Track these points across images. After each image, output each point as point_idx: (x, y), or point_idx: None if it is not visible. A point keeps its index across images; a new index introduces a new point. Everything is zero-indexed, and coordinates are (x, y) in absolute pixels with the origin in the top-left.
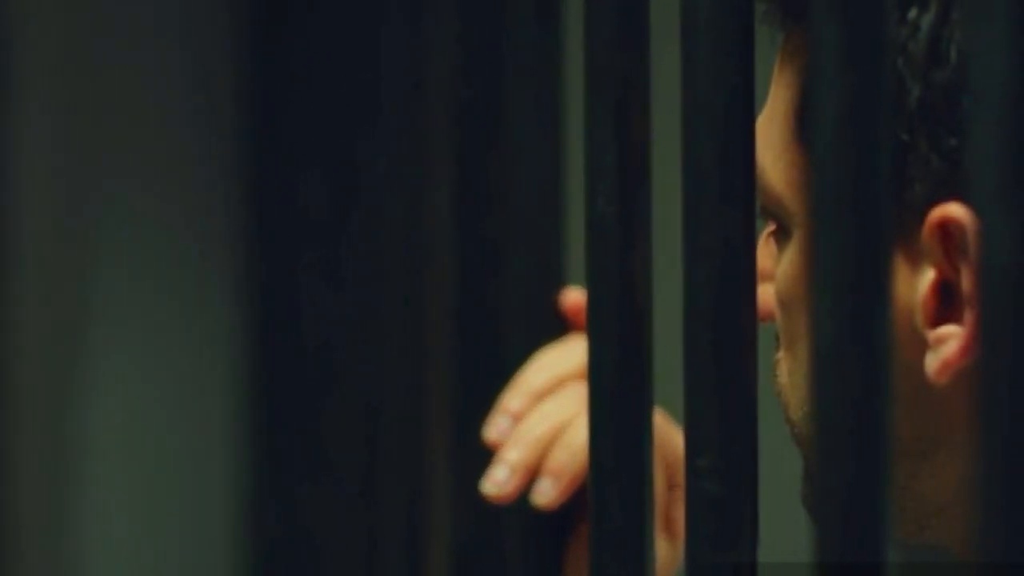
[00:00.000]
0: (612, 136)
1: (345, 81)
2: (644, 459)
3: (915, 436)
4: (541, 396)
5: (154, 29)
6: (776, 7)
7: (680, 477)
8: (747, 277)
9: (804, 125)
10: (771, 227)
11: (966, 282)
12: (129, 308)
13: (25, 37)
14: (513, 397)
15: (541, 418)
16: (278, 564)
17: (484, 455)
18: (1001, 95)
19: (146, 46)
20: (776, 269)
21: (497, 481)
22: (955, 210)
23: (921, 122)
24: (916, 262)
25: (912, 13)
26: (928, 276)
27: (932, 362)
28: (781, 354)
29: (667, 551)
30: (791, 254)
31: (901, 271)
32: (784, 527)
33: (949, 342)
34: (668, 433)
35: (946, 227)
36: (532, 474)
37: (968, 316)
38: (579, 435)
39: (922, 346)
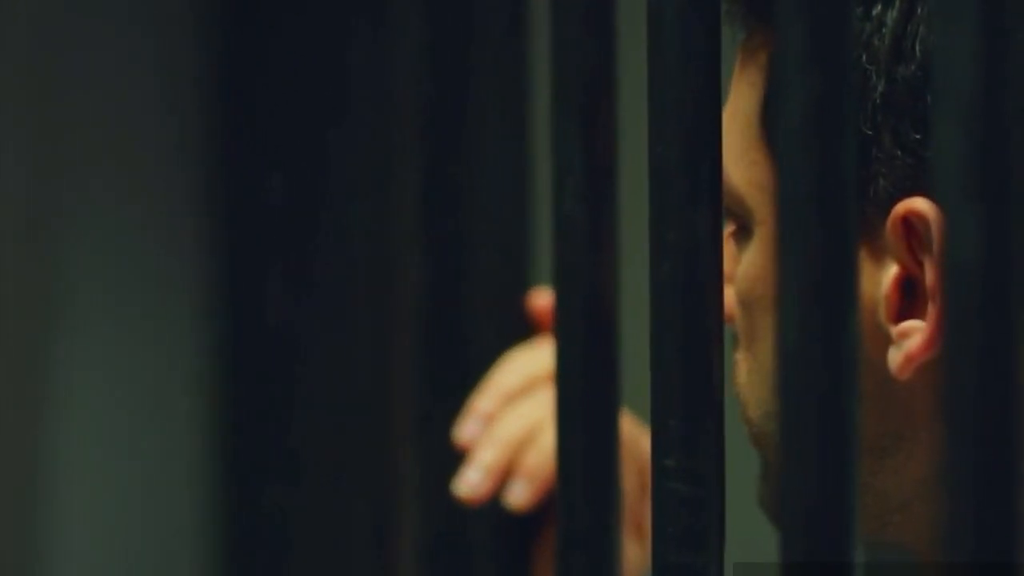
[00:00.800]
0: (579, 136)
1: (312, 83)
2: (612, 458)
3: (877, 433)
4: (513, 398)
5: (120, 28)
6: (738, 6)
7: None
8: (714, 276)
9: (768, 124)
10: (731, 227)
11: (930, 276)
12: (95, 310)
13: None
14: (485, 399)
15: (514, 420)
16: (246, 564)
17: (452, 455)
18: (967, 90)
19: (112, 46)
20: (736, 270)
21: (470, 482)
22: (920, 204)
23: (885, 117)
24: (879, 257)
25: (876, 9)
26: (891, 271)
27: (896, 357)
28: (740, 354)
29: (636, 554)
30: (752, 254)
31: (864, 266)
32: (751, 527)
33: (913, 336)
34: (638, 437)
35: (910, 221)
36: (505, 476)
37: (932, 310)
38: (552, 437)
39: (884, 341)
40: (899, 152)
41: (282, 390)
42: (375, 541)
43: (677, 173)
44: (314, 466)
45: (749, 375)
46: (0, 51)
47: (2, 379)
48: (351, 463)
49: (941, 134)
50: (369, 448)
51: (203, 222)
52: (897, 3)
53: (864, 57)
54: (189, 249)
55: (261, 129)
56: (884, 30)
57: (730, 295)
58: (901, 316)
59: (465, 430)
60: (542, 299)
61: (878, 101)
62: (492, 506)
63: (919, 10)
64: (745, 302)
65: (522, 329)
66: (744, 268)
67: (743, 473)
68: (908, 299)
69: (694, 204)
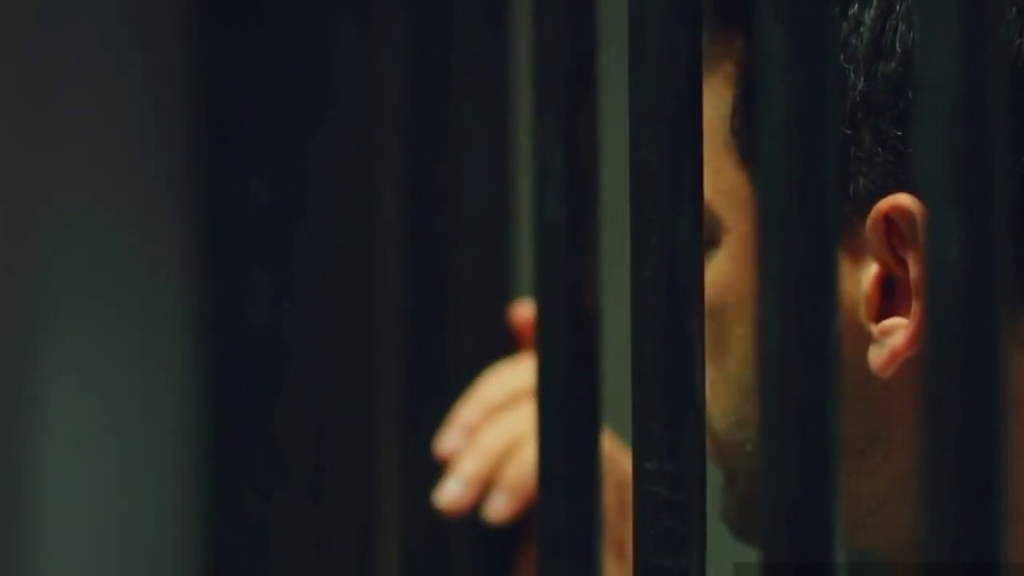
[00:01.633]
0: (560, 138)
1: (295, 86)
2: (593, 463)
3: (854, 433)
4: (495, 411)
5: (101, 33)
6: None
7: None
8: (696, 279)
9: (737, 131)
10: None
11: (914, 272)
12: (77, 315)
13: None
14: (467, 410)
15: (495, 432)
16: (228, 569)
17: (434, 462)
18: (949, 86)
19: (94, 48)
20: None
21: (451, 494)
22: (904, 200)
23: (865, 115)
24: (858, 256)
25: (853, 8)
26: (871, 269)
27: (877, 355)
28: (707, 364)
29: (616, 572)
30: (720, 262)
31: (844, 266)
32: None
33: (896, 333)
34: (618, 456)
35: (891, 218)
36: (486, 487)
37: (916, 306)
38: (533, 451)
39: (863, 341)
40: (879, 149)
41: (265, 396)
42: (357, 550)
43: (658, 175)
44: (296, 473)
45: (715, 385)
46: None
47: None
48: (333, 470)
49: (922, 131)
50: (352, 455)
51: (186, 226)
52: (875, 1)
53: (842, 56)
54: (172, 252)
55: (244, 132)
56: (862, 28)
57: None
58: (882, 315)
59: (446, 441)
60: (524, 311)
61: (857, 99)
62: (473, 517)
63: (897, 7)
64: (713, 311)
65: (504, 334)
66: (712, 276)
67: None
68: (887, 297)
69: (676, 206)
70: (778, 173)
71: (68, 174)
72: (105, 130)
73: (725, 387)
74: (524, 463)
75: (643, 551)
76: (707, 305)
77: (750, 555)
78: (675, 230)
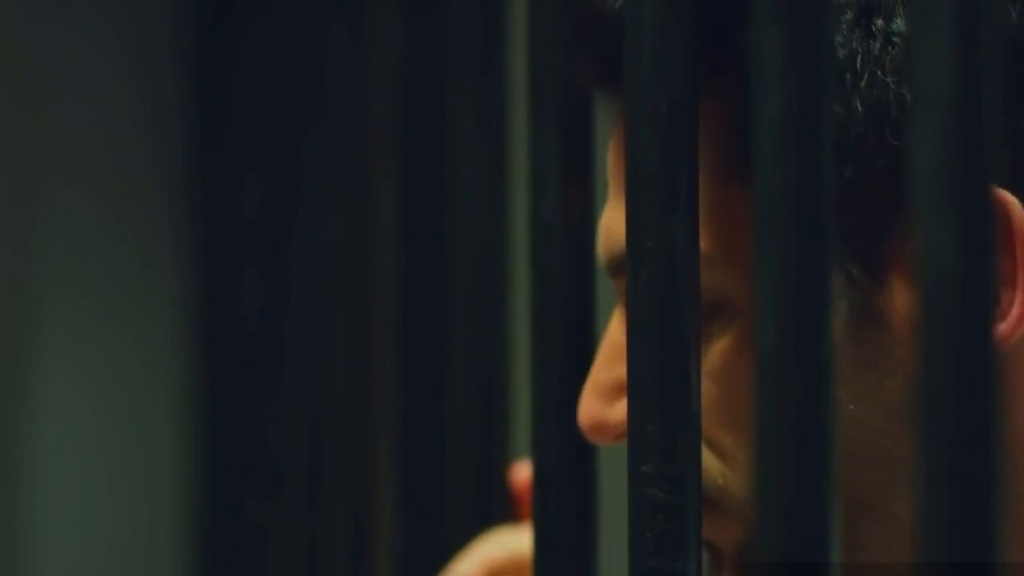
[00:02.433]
0: (557, 141)
1: (289, 89)
2: (590, 463)
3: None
4: (495, 570)
5: (96, 35)
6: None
7: None
8: (690, 282)
9: (728, 150)
10: None
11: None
12: (73, 317)
13: None
14: (467, 564)
15: None
16: (225, 570)
17: (431, 464)
18: (944, 99)
19: (88, 51)
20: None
21: None
22: (1002, 195)
23: (866, 126)
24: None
25: (848, 15)
26: None
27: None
28: (726, 437)
29: None
30: (734, 342)
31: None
32: None
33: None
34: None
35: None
36: None
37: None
38: None
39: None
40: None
41: (261, 398)
42: (353, 551)
43: (654, 179)
44: (292, 474)
45: (735, 458)
46: None
47: None
48: (329, 472)
49: (919, 143)
50: (347, 457)
51: (181, 228)
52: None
53: (839, 67)
54: (167, 255)
55: (239, 135)
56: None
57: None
58: None
59: None
60: (522, 474)
61: (859, 111)
62: (470, 526)
63: (896, 21)
64: (730, 385)
65: (497, 334)
66: (727, 359)
67: None
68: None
69: (671, 210)
70: (773, 185)
71: (64, 177)
72: (101, 133)
73: (747, 458)
74: None
75: (639, 554)
76: (723, 381)
77: None
78: (671, 234)
